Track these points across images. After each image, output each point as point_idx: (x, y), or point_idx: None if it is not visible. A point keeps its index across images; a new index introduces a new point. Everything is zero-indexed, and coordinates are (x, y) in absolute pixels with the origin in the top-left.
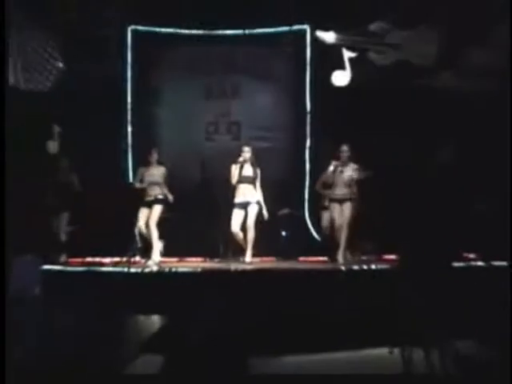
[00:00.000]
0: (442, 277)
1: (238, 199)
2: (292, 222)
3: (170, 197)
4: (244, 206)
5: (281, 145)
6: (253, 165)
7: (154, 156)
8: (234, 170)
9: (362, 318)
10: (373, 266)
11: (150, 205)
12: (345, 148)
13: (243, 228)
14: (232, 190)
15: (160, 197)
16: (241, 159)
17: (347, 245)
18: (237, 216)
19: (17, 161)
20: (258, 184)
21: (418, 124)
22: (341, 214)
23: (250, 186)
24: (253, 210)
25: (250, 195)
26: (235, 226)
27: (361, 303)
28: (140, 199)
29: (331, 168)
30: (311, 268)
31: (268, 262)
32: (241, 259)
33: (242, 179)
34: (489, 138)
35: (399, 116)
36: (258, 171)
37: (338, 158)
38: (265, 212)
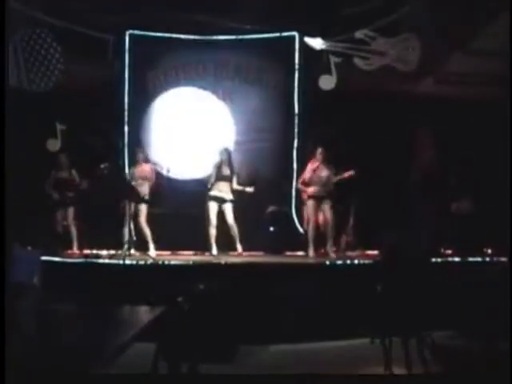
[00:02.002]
0: (421, 271)
1: (213, 192)
2: (279, 218)
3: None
4: (219, 200)
5: (270, 145)
6: (229, 165)
7: (140, 155)
8: (212, 169)
9: (345, 309)
10: (355, 261)
11: (138, 202)
12: (320, 150)
13: (225, 225)
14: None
15: (146, 197)
16: (218, 160)
17: (331, 240)
18: (213, 208)
19: (20, 157)
20: (234, 182)
21: (401, 126)
22: (316, 211)
23: (227, 184)
24: (228, 208)
25: (226, 192)
26: (213, 218)
27: (343, 296)
28: (135, 195)
29: (310, 167)
30: (297, 262)
31: (256, 256)
32: (230, 253)
33: (220, 178)
34: (470, 141)
35: (382, 118)
36: (235, 170)
37: (316, 159)
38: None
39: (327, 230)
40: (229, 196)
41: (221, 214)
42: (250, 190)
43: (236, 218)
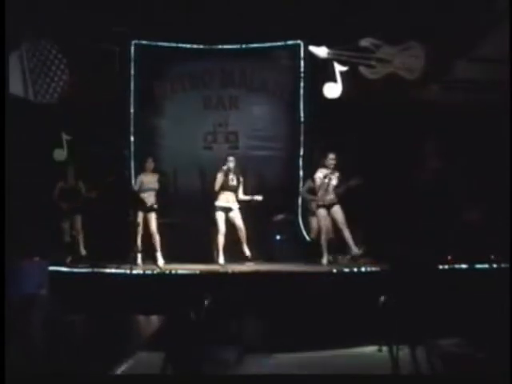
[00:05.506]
0: (428, 278)
1: (220, 203)
2: (286, 226)
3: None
4: (226, 209)
5: (276, 153)
6: (236, 174)
7: (150, 164)
8: (219, 177)
9: (352, 317)
10: (363, 269)
11: (146, 211)
12: (332, 156)
13: (233, 229)
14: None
15: (155, 206)
16: (225, 168)
17: (340, 247)
18: (220, 218)
19: (27, 167)
20: (240, 192)
21: (406, 134)
22: (327, 219)
23: (233, 194)
24: (236, 213)
25: (232, 201)
26: (222, 226)
27: (351, 303)
28: (141, 205)
29: (320, 175)
30: (304, 270)
31: (263, 265)
32: (236, 262)
33: (226, 187)
34: (476, 149)
35: (388, 126)
36: (241, 180)
37: (325, 166)
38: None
39: (337, 237)
40: (235, 205)
41: (228, 222)
42: (258, 198)
43: (243, 225)
